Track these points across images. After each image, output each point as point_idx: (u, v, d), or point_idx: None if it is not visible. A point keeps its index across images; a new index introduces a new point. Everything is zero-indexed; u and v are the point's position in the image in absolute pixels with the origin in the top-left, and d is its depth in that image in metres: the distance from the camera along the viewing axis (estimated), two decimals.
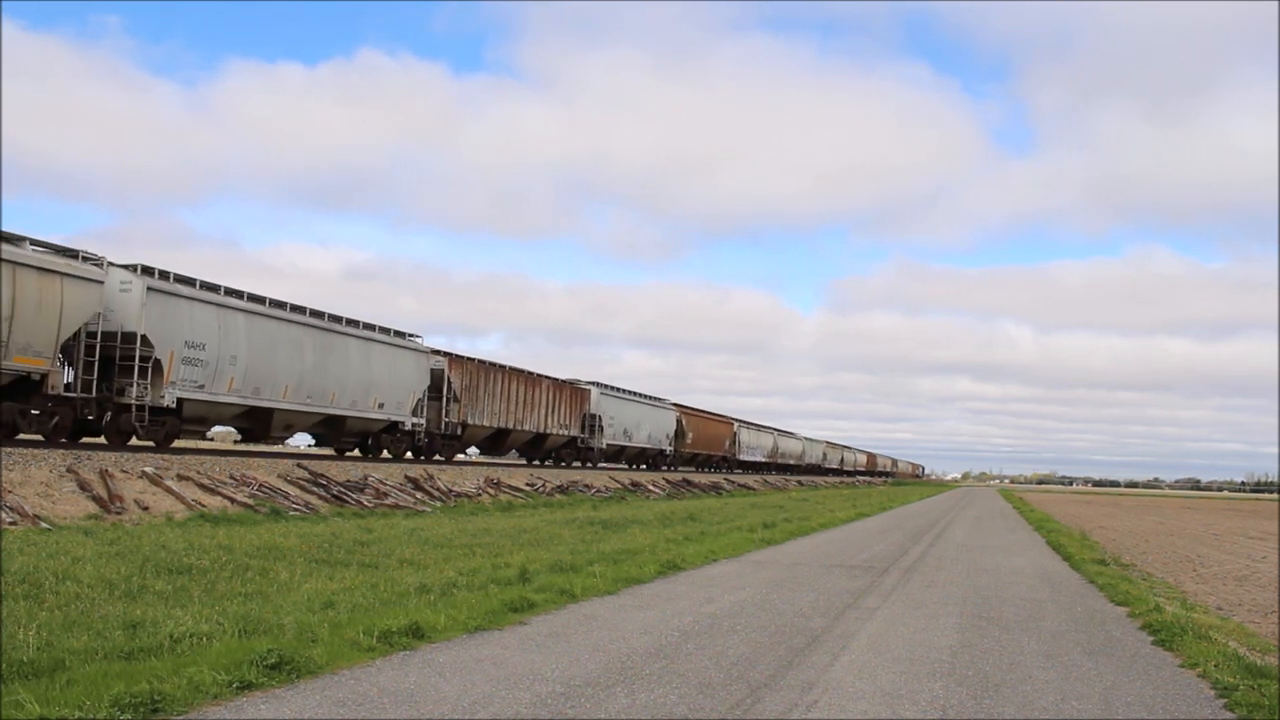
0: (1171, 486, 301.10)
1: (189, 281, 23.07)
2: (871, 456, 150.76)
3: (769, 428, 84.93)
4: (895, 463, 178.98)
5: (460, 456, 37.67)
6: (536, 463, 43.26)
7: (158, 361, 21.50)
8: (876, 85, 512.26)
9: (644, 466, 54.15)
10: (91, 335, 20.59)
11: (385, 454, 31.70)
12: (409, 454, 32.78)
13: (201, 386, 22.84)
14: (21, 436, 19.80)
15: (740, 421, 73.66)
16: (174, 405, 22.14)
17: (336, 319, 28.02)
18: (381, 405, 29.61)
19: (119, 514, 15.92)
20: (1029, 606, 12.19)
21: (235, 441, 32.02)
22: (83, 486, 16.70)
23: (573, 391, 44.24)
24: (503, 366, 38.01)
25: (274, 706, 6.08)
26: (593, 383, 46.69)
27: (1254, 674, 7.95)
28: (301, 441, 32.97)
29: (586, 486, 35.88)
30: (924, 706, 6.79)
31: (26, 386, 19.18)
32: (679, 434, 57.67)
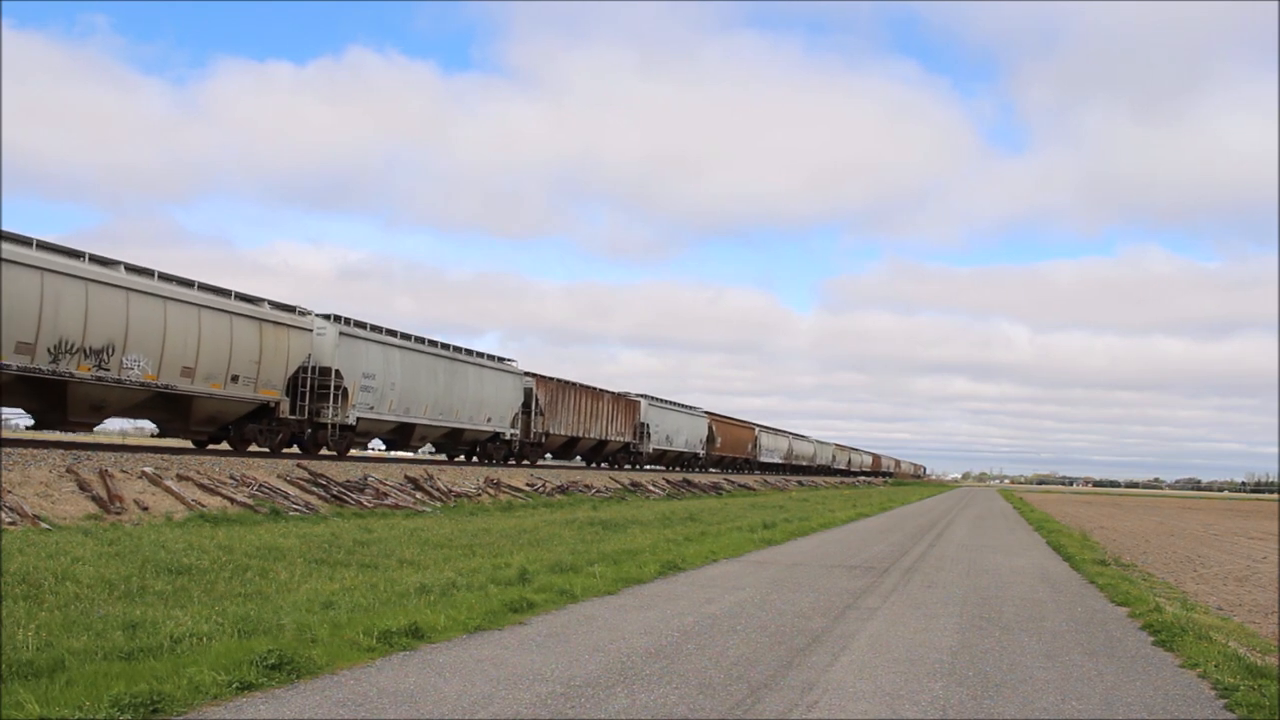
0: (1172, 487, 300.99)
1: (362, 325, 28.81)
2: (877, 458, 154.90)
3: (785, 431, 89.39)
4: (899, 463, 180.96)
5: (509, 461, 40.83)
6: (594, 465, 48.91)
7: (345, 390, 27.35)
8: (866, 83, 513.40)
9: (680, 468, 59.41)
10: (303, 370, 26.23)
11: (490, 460, 37.23)
12: (505, 458, 38.51)
13: (372, 408, 28.81)
14: (32, 437, 20.37)
15: (760, 426, 78.73)
16: (354, 423, 27.98)
17: (459, 349, 33.94)
18: (490, 420, 35.92)
19: (119, 514, 15.91)
20: (1029, 607, 12.18)
21: (380, 450, 36.80)
22: (82, 486, 16.69)
23: (626, 403, 49.85)
24: (574, 384, 43.66)
25: (274, 707, 6.07)
26: (641, 395, 52.24)
27: (1254, 674, 7.95)
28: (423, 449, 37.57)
29: (586, 486, 35.84)
30: (924, 707, 6.78)
31: (263, 412, 25.20)
32: (710, 439, 63.23)
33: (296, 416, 26.08)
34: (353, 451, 31.06)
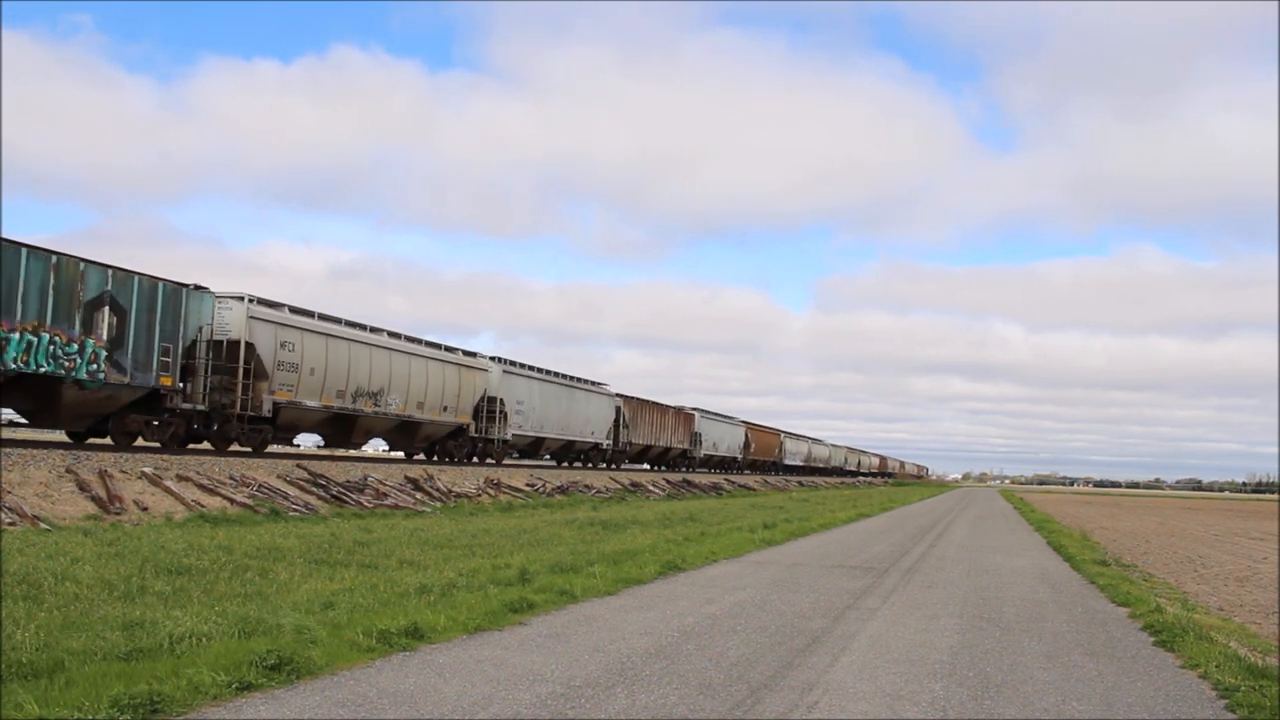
0: (1172, 487, 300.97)
1: (514, 363, 37.65)
2: (883, 459, 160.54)
3: (805, 436, 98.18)
4: (902, 465, 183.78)
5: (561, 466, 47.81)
6: (658, 468, 56.64)
7: (505, 413, 36.28)
8: (853, 81, 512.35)
9: (721, 471, 66.25)
10: (482, 400, 35.16)
11: (590, 465, 45.81)
12: (597, 463, 47.12)
13: (520, 426, 37.65)
14: (25, 437, 20.55)
15: (785, 433, 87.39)
16: (510, 438, 36.98)
17: (574, 378, 43.23)
18: (593, 433, 45.21)
19: (118, 514, 15.90)
20: (1030, 607, 12.17)
21: (515, 459, 43.89)
22: (82, 487, 16.68)
23: (684, 416, 58.78)
24: (649, 400, 52.65)
25: (273, 707, 6.07)
26: (695, 408, 61.17)
27: (1255, 675, 7.94)
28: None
29: (586, 487, 35.83)
30: (924, 707, 6.78)
31: (458, 432, 34.32)
32: (746, 444, 71.91)
33: (477, 435, 34.99)
34: (506, 460, 39.19)
